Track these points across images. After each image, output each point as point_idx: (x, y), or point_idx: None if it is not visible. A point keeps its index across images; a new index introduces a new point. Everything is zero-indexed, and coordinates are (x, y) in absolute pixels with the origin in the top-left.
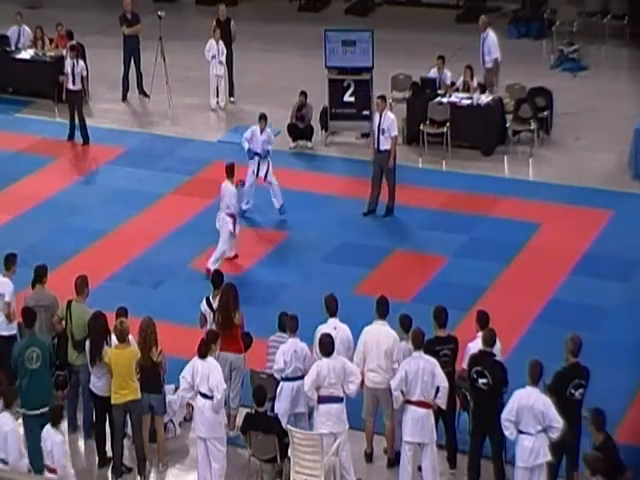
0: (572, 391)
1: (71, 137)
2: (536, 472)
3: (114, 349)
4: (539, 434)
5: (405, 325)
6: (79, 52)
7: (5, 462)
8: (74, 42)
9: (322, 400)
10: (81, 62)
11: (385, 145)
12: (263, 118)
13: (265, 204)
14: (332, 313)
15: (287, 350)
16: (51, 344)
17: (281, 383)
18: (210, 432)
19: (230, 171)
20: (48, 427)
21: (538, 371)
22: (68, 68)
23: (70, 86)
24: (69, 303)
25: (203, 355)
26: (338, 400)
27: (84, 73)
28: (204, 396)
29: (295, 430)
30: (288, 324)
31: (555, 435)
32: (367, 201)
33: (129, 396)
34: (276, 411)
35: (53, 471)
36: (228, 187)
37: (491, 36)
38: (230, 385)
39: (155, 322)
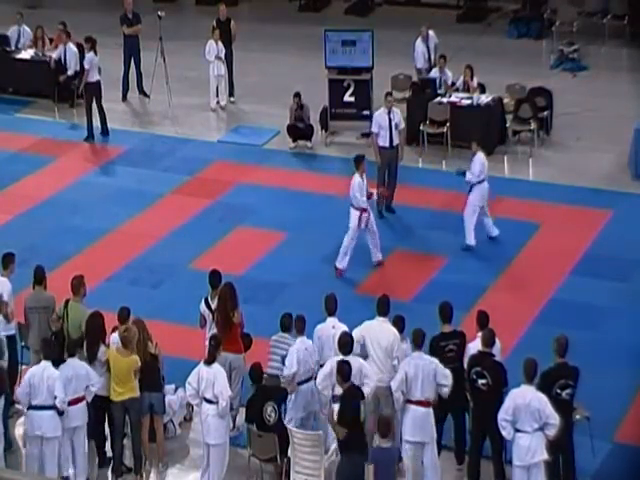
0: (558, 391)
1: (90, 137)
2: (533, 470)
3: (116, 352)
4: (536, 432)
5: (399, 326)
6: (94, 45)
7: None
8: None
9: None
10: (89, 55)
11: (397, 140)
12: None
13: (264, 205)
14: (331, 312)
15: (299, 349)
16: None
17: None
18: (214, 438)
19: (357, 163)
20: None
21: (533, 369)
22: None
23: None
24: (67, 302)
25: (209, 362)
26: None
27: (86, 66)
28: (209, 402)
29: (295, 430)
30: (296, 325)
31: (552, 432)
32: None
33: (127, 394)
34: (288, 417)
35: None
36: (354, 179)
37: (433, 37)
38: (230, 385)
39: (155, 322)
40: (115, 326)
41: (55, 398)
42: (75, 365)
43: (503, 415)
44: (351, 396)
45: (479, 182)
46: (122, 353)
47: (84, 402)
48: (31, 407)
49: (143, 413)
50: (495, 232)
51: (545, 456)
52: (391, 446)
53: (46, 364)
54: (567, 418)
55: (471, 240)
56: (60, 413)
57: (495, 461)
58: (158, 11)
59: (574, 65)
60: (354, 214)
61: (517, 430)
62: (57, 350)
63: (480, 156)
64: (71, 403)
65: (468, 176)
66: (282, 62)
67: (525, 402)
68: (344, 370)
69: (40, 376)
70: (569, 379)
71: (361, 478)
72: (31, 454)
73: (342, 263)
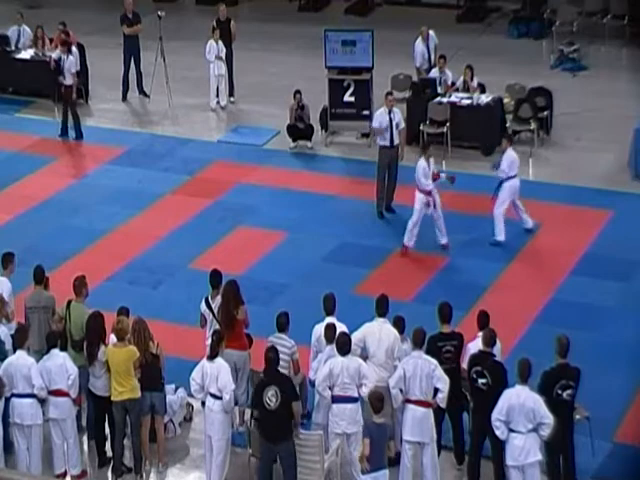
0: (559, 392)
1: (64, 133)
2: (528, 471)
3: (112, 347)
4: (530, 433)
5: (399, 327)
6: (70, 46)
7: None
8: (64, 37)
9: (336, 400)
10: (70, 57)
11: (397, 140)
12: None
13: (264, 205)
14: (329, 312)
15: (331, 356)
16: None
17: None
18: (217, 432)
19: (423, 147)
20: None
21: (527, 369)
22: (61, 63)
23: (63, 82)
24: (69, 303)
25: (212, 357)
26: (352, 400)
27: (72, 69)
28: (213, 396)
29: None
30: (326, 334)
31: (546, 432)
32: (361, 201)
33: (126, 394)
34: (315, 420)
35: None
36: (418, 163)
37: (433, 37)
38: (236, 382)
39: (155, 322)
40: None
41: (33, 387)
42: (55, 355)
43: (497, 415)
44: (276, 381)
45: (509, 178)
46: (118, 346)
47: (67, 398)
48: (13, 395)
49: (144, 413)
50: (530, 224)
51: (539, 457)
52: (384, 422)
53: (20, 353)
54: (568, 419)
55: (501, 236)
56: (41, 401)
57: (495, 461)
58: (158, 11)
59: (574, 65)
60: (419, 197)
61: (511, 430)
62: (26, 338)
63: (510, 152)
64: (53, 394)
65: (498, 172)
66: (282, 62)
67: (519, 402)
68: (270, 358)
69: (15, 365)
70: (570, 380)
71: (270, 464)
72: (18, 448)
73: (410, 242)
